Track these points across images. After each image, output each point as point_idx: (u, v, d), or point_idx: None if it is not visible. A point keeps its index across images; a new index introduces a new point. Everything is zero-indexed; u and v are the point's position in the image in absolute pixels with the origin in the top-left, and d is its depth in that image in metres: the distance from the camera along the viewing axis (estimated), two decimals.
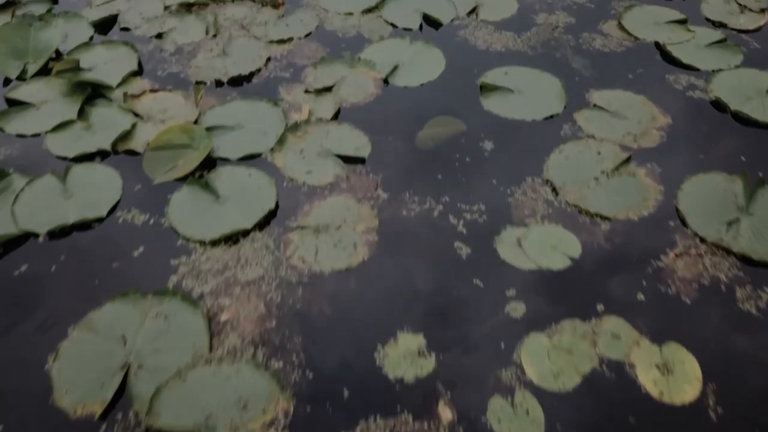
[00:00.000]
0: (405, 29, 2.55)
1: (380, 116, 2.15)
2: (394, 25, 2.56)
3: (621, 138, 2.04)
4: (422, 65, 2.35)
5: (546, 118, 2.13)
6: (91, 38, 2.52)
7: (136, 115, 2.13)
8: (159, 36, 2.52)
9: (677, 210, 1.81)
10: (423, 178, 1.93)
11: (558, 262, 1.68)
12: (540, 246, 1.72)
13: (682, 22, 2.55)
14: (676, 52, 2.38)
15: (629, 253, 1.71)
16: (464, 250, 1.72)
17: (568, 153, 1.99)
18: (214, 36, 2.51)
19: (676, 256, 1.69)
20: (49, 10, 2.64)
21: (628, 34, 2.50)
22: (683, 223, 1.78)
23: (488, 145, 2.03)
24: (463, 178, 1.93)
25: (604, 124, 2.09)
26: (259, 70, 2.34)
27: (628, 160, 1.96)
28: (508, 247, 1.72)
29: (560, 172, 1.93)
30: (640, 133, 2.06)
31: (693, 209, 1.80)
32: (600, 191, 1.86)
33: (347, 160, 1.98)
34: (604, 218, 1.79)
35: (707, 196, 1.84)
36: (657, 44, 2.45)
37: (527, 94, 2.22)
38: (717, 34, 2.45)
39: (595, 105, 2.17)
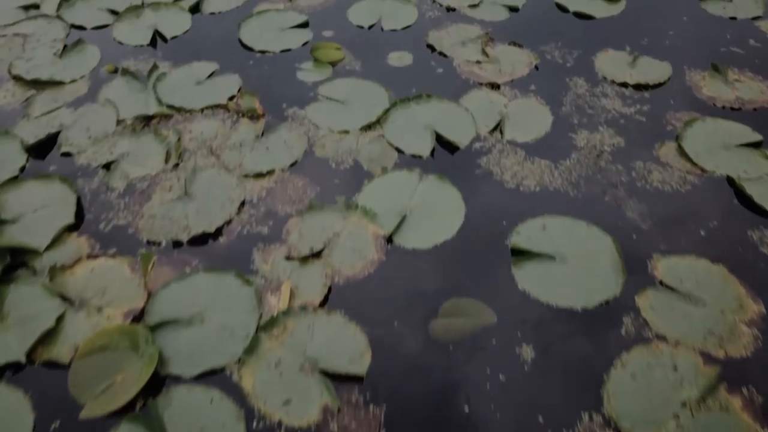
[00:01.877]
0: (413, 156, 2.05)
1: (382, 297, 1.65)
2: (399, 150, 2.06)
3: (702, 340, 1.54)
4: (435, 215, 1.85)
5: (600, 305, 1.63)
6: (23, 169, 2.03)
7: (65, 299, 1.64)
8: (107, 166, 2.02)
9: None
10: (440, 408, 1.43)
11: None
12: None
13: (756, 145, 2.05)
14: (756, 193, 1.88)
15: None
16: None
17: (634, 368, 1.49)
18: (176, 166, 2.02)
19: None
20: None
21: (692, 163, 2.00)
22: None
23: (527, 353, 1.53)
24: (497, 411, 1.43)
25: (678, 316, 1.59)
26: (229, 222, 1.84)
27: (716, 382, 1.46)
28: None
29: (626, 402, 1.43)
30: (727, 331, 1.56)
31: None
32: None
33: (339, 378, 1.49)
34: None
35: None
36: (730, 180, 1.95)
37: (573, 263, 1.72)
38: None
39: (662, 283, 1.67)
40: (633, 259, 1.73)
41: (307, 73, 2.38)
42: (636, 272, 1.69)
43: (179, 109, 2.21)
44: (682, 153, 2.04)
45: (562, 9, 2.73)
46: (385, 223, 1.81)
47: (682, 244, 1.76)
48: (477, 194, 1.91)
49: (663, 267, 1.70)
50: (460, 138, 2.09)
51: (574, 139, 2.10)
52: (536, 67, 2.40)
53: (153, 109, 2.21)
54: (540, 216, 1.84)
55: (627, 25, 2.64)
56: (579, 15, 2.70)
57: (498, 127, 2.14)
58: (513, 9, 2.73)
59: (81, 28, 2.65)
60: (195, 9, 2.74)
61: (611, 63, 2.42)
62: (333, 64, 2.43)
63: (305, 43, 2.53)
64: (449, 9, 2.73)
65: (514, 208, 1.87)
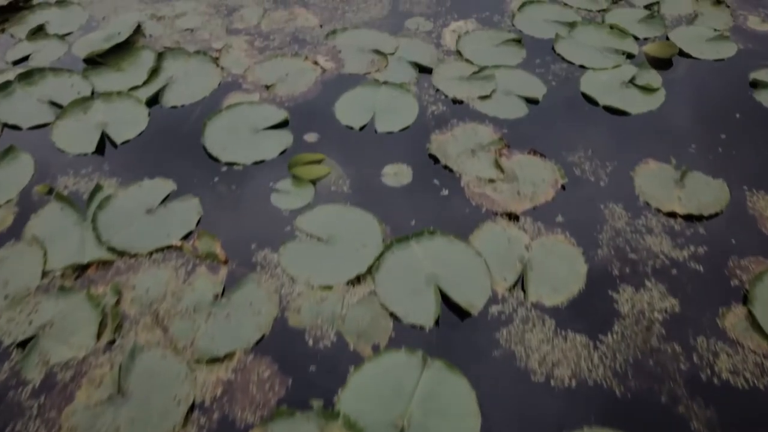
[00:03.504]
0: (413, 326, 1.61)
1: None
2: (395, 317, 1.63)
3: None
4: (441, 427, 1.42)
5: None
6: None
7: None
8: (23, 344, 1.59)
9: None
10: None
11: None
12: None
13: None
14: None
15: None
16: None
17: None
18: (111, 343, 1.58)
19: None
20: None
21: None
22: None
23: None
24: None
25: None
26: None
27: None
28: None
29: None
30: None
31: None
32: None
33: None
34: None
35: None
36: None
37: None
38: None
39: None
40: None
41: (284, 196, 1.95)
42: None
43: (122, 253, 1.78)
44: (755, 324, 1.60)
45: (591, 101, 2.30)
46: None
47: None
48: (496, 392, 1.48)
49: None
50: (473, 299, 1.66)
51: (616, 300, 1.67)
52: (563, 187, 1.97)
53: (89, 253, 1.77)
54: (579, 428, 1.41)
55: (669, 125, 2.20)
56: (610, 110, 2.26)
57: (519, 282, 1.70)
58: (532, 101, 2.30)
59: (16, 128, 2.21)
60: (153, 101, 2.31)
61: (654, 181, 1.98)
62: (315, 181, 1.99)
63: (283, 152, 2.10)
64: (455, 101, 2.29)
65: (545, 417, 1.43)
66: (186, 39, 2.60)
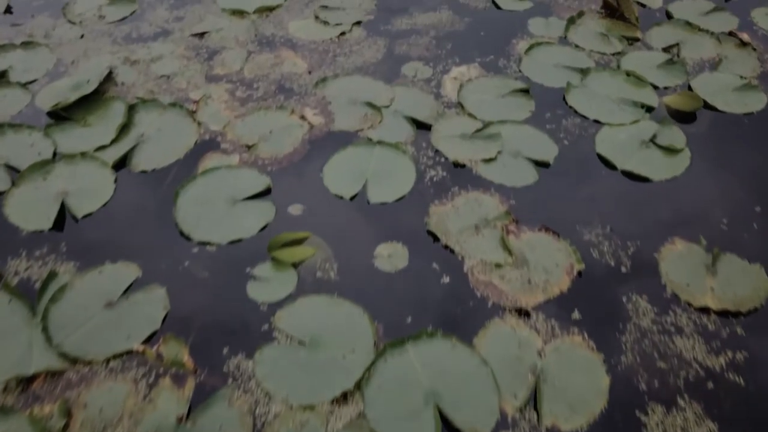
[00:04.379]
0: None
1: None
2: None
3: None
4: None
5: None
6: None
7: None
8: None
9: None
10: None
11: None
12: None
13: None
14: None
15: None
16: None
17: None
18: None
19: None
20: None
21: None
22: None
23: None
24: None
25: None
26: None
27: None
28: None
29: None
30: None
31: None
32: None
33: None
34: None
35: None
36: None
37: None
38: None
39: None
40: None
41: (262, 286, 1.71)
42: None
43: (75, 360, 1.55)
44: None
45: (608, 164, 2.07)
46: None
47: None
48: None
49: None
50: (478, 423, 1.43)
51: (645, 424, 1.43)
52: (579, 274, 1.73)
53: (37, 361, 1.54)
54: None
55: (696, 195, 1.97)
56: (630, 176, 2.03)
57: (532, 399, 1.47)
58: (542, 164, 2.07)
59: None
60: (121, 163, 2.07)
61: (682, 266, 1.76)
62: (298, 265, 1.76)
63: (264, 228, 1.87)
64: (457, 165, 2.06)
65: None
66: (161, 88, 2.37)
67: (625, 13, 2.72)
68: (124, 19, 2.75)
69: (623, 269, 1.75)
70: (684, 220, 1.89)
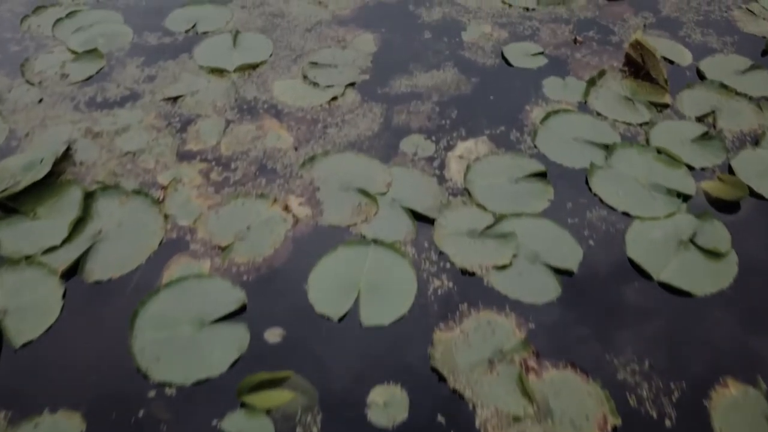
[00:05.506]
0: None
1: None
2: None
3: None
4: None
5: None
6: None
7: None
8: None
9: None
10: None
11: None
12: None
13: None
14: None
15: None
16: None
17: None
18: None
19: None
20: None
21: None
22: None
23: None
24: None
25: None
26: None
27: None
28: None
29: None
30: None
31: None
32: None
33: None
34: None
35: None
36: None
37: None
38: None
39: None
40: None
41: None
42: None
43: None
44: None
45: (643, 274, 1.77)
46: None
47: None
48: None
49: None
50: None
51: None
52: (614, 430, 1.43)
53: None
54: None
55: (748, 316, 1.67)
56: (668, 288, 1.73)
57: None
58: (565, 273, 1.77)
59: None
60: (73, 271, 1.77)
61: (739, 420, 1.46)
62: (272, 411, 1.46)
63: (236, 362, 1.57)
64: (465, 272, 1.76)
65: None
66: (125, 168, 2.07)
67: (651, 72, 2.42)
68: (89, 78, 2.45)
69: (668, 423, 1.45)
70: (736, 353, 1.59)
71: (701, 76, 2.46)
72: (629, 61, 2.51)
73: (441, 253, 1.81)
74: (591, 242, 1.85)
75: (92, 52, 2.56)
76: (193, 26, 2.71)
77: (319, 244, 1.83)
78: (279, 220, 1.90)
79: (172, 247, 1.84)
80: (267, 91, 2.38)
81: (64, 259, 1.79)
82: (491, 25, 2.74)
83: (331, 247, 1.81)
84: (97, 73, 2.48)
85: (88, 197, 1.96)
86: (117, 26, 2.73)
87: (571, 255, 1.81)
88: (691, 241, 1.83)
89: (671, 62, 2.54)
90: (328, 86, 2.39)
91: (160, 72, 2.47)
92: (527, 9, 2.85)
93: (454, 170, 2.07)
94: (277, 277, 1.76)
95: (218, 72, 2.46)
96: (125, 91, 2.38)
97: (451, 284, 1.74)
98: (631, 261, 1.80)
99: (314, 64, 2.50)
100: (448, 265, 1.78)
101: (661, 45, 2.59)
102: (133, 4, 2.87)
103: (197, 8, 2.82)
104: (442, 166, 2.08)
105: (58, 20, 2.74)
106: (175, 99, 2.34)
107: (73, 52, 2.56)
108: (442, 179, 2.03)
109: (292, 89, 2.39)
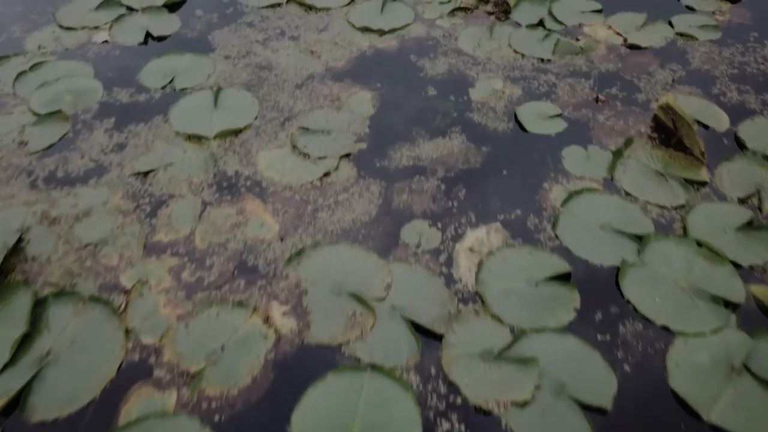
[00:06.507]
0: None
1: None
2: None
3: None
4: None
5: None
6: None
7: None
8: None
9: None
10: None
11: None
12: None
13: None
14: None
15: None
16: None
17: None
18: None
19: None
20: None
21: None
22: None
23: None
24: None
25: None
26: None
27: None
28: None
29: None
30: None
31: None
32: None
33: None
34: None
35: None
36: None
37: None
38: None
39: None
40: None
41: None
42: None
43: None
44: None
45: (688, 410, 1.48)
46: None
47: None
48: None
49: None
50: None
51: None
52: None
53: None
54: None
55: None
56: None
57: None
58: (596, 411, 1.48)
59: None
60: (13, 405, 1.49)
61: None
62: None
63: None
64: (478, 410, 1.48)
65: None
66: (84, 265, 1.79)
67: (685, 141, 2.14)
68: (51, 147, 2.17)
69: None
70: None
71: (741, 144, 2.18)
72: (659, 126, 2.23)
73: (450, 384, 1.53)
74: (626, 367, 1.57)
75: (56, 114, 2.28)
76: (171, 81, 2.44)
77: (304, 370, 1.56)
78: (258, 338, 1.62)
79: (132, 373, 1.56)
80: (250, 164, 2.10)
81: (4, 390, 1.51)
82: (502, 79, 2.46)
83: (319, 375, 1.54)
84: (59, 140, 2.20)
85: (38, 305, 1.68)
86: (86, 81, 2.45)
87: (603, 386, 1.53)
88: (745, 366, 1.55)
89: (706, 127, 2.26)
90: (320, 158, 2.11)
91: (131, 139, 2.20)
92: (542, 60, 2.56)
93: (464, 268, 1.79)
94: (254, 417, 1.48)
95: (196, 139, 2.19)
96: (90, 164, 2.11)
97: (463, 427, 1.46)
98: (674, 393, 1.52)
99: (305, 129, 2.22)
100: (459, 400, 1.50)
101: (693, 105, 2.31)
102: (105, 54, 2.59)
103: (176, 58, 2.55)
104: (449, 261, 1.80)
105: (21, 74, 2.46)
106: (145, 174, 2.07)
107: (35, 113, 2.29)
108: (450, 279, 1.76)
109: (279, 162, 2.11)
